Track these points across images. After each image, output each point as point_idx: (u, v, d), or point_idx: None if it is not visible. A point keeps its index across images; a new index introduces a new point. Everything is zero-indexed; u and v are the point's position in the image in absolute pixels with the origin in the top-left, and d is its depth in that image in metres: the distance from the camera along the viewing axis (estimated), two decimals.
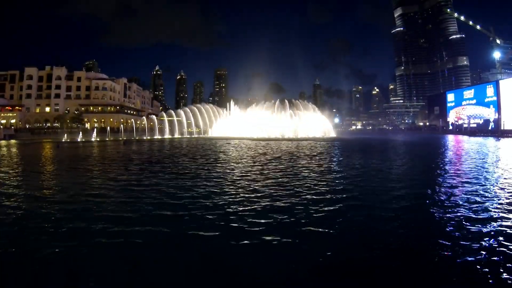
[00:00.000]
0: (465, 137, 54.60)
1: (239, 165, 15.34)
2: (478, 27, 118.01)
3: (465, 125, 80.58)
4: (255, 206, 7.30)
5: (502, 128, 64.55)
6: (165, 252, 4.86)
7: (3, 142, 46.67)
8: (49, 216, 6.67)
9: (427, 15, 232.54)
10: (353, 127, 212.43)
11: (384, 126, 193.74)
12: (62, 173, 13.65)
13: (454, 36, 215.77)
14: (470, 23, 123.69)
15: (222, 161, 17.44)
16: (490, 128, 72.16)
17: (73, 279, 4.10)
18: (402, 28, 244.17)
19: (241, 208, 7.12)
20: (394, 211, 6.92)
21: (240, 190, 9.18)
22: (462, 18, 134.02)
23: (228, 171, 13.31)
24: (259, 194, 8.56)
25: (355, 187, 9.55)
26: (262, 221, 6.17)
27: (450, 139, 48.91)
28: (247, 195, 8.43)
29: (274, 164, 15.66)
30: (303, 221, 6.19)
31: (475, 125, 79.53)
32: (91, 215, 6.67)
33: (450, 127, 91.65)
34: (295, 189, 9.25)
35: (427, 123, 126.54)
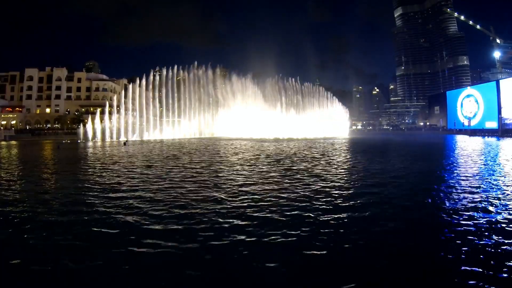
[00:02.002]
0: (466, 137, 54.58)
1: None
2: (478, 26, 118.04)
3: (466, 124, 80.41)
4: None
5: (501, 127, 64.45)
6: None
7: (4, 143, 46.72)
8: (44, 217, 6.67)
9: (427, 14, 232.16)
10: (354, 127, 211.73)
11: (385, 126, 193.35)
12: (58, 176, 13.65)
13: (454, 36, 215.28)
14: (470, 22, 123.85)
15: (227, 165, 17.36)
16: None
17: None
18: (402, 28, 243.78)
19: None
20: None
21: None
22: (462, 17, 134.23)
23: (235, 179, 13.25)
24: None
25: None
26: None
27: (452, 139, 48.81)
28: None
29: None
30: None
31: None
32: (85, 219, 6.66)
33: None
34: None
35: (428, 123, 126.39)
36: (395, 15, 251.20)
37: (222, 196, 8.47)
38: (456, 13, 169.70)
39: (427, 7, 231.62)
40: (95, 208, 7.34)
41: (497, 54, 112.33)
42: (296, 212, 6.85)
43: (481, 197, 8.21)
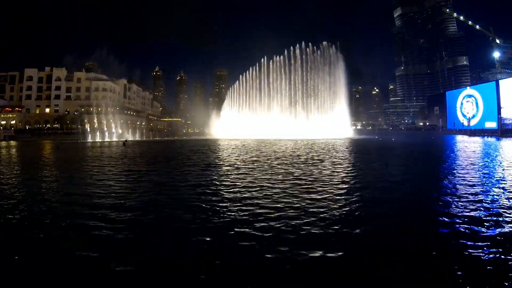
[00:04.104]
0: (465, 137, 54.66)
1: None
2: (477, 26, 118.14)
3: (465, 125, 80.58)
4: None
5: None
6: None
7: (3, 143, 46.66)
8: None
9: (427, 15, 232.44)
10: (353, 127, 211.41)
11: (384, 126, 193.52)
12: (58, 178, 13.63)
13: (453, 36, 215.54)
14: (470, 22, 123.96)
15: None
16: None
17: None
18: (402, 28, 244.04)
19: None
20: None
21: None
22: (461, 18, 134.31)
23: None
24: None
25: None
26: None
27: (453, 139, 48.84)
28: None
29: None
30: None
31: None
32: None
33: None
34: None
35: (427, 123, 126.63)
36: (395, 15, 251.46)
37: None
38: (455, 13, 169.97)
39: (427, 7, 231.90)
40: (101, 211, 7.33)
41: (496, 54, 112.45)
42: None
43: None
